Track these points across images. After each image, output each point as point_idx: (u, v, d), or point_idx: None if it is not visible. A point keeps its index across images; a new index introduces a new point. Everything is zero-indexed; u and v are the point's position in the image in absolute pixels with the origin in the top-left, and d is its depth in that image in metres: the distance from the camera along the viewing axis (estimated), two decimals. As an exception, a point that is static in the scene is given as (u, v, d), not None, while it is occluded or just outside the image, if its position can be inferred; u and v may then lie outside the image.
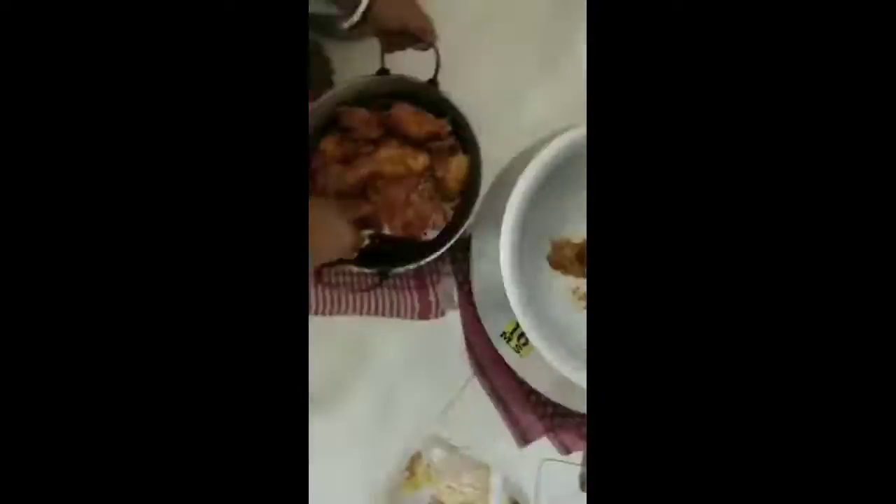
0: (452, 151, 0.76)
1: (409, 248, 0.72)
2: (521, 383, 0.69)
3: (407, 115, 0.75)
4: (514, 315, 0.59)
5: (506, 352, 0.65)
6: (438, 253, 0.71)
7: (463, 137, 0.77)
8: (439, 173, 0.74)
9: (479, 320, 0.68)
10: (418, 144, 0.76)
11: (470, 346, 0.75)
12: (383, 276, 0.68)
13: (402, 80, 0.76)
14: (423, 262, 0.70)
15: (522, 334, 0.59)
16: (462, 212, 0.75)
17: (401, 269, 0.70)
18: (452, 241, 0.72)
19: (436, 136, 0.76)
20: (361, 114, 0.75)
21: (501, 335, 0.64)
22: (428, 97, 0.76)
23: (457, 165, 0.74)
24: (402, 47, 0.69)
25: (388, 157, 0.73)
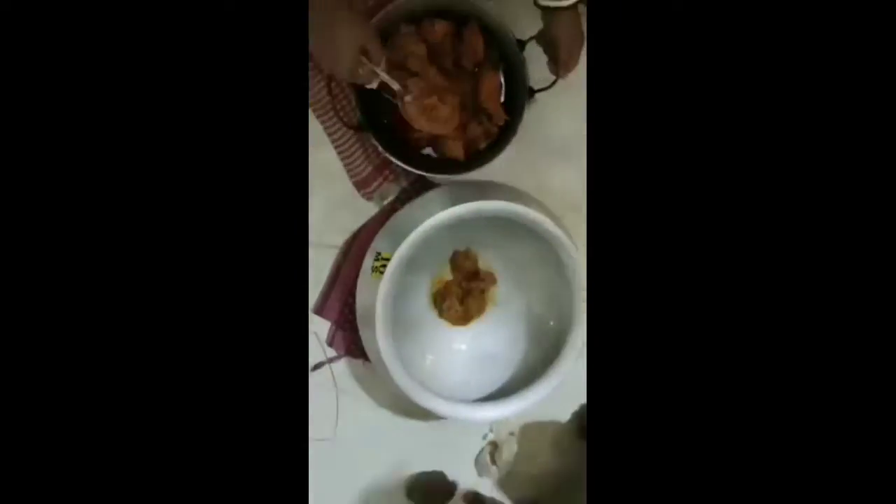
0: (491, 70, 0.77)
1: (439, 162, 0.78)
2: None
3: (476, 36, 0.74)
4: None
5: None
6: (459, 176, 0.77)
7: (504, 68, 0.78)
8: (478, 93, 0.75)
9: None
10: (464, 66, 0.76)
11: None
12: (363, 129, 0.74)
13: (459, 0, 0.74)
14: (440, 176, 0.76)
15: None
16: (493, 147, 0.78)
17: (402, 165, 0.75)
18: (478, 166, 0.75)
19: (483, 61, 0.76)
20: (443, 27, 0.74)
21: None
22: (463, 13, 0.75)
23: (491, 82, 0.75)
24: None
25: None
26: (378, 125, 0.77)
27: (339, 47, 0.57)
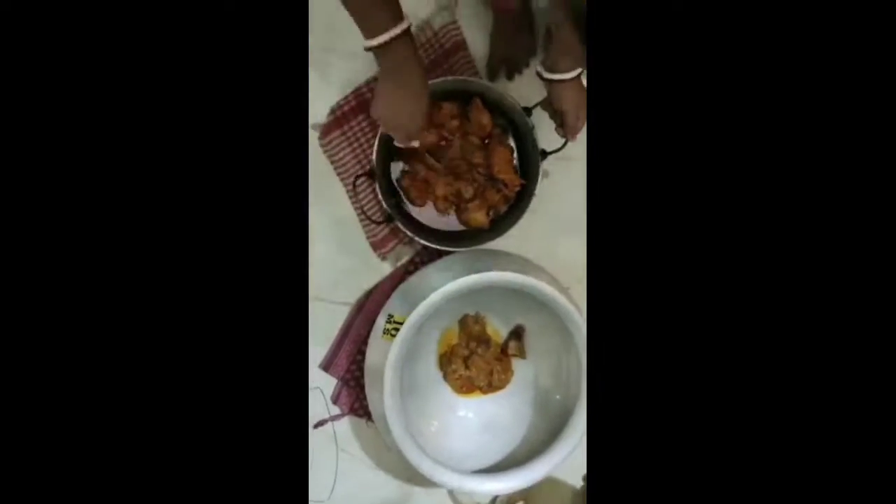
0: (500, 142, 0.81)
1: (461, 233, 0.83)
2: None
3: (481, 112, 0.79)
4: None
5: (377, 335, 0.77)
6: (461, 250, 0.80)
7: (515, 134, 0.82)
8: (489, 164, 0.80)
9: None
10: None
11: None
12: (389, 220, 0.79)
13: (463, 81, 0.79)
14: (448, 249, 0.79)
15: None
16: (514, 209, 0.81)
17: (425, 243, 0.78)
18: (494, 237, 0.79)
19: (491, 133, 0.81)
20: (449, 108, 0.79)
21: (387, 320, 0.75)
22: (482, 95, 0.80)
23: (501, 155, 0.79)
24: None
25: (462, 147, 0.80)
26: (399, 208, 0.81)
27: (414, 113, 0.65)
